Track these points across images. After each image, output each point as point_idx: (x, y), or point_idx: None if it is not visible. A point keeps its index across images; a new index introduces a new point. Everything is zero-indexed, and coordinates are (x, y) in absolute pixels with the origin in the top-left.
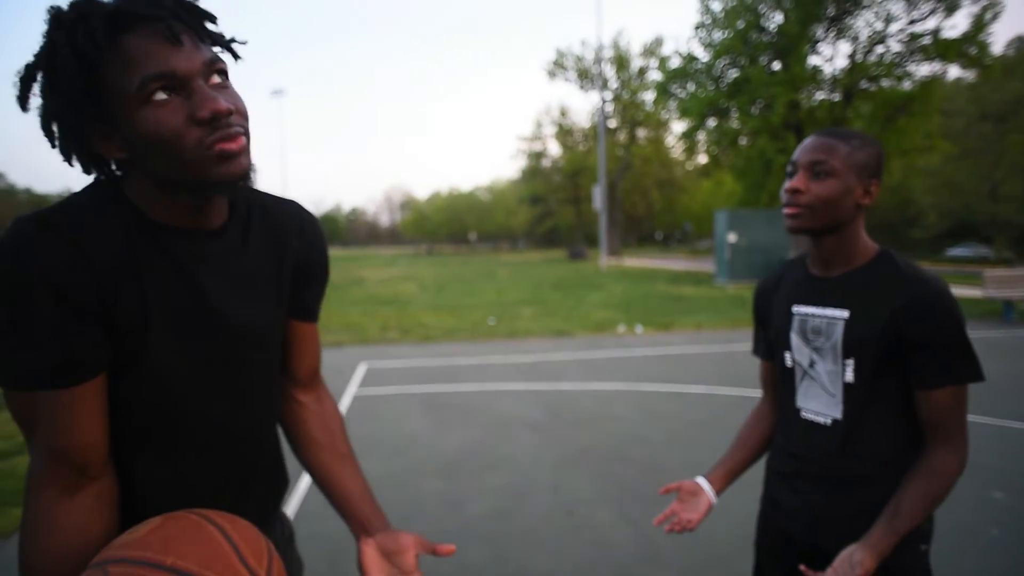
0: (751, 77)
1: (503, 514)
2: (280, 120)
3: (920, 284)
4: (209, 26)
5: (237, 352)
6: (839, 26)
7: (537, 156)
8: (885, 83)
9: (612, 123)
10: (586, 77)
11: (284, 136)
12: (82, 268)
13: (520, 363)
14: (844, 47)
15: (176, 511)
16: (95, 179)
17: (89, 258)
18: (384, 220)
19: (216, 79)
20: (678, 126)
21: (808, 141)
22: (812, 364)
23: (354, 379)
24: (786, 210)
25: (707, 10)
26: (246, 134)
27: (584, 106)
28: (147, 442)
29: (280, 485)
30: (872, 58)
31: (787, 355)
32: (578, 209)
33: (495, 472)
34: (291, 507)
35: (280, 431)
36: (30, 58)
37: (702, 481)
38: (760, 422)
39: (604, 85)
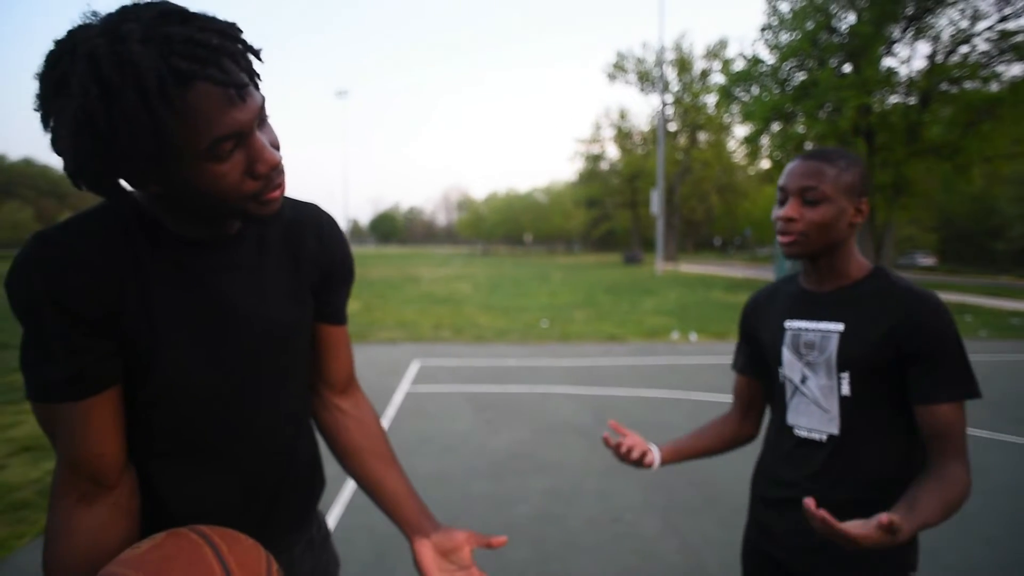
0: (819, 80)
1: (549, 517)
2: (343, 120)
3: (918, 299)
4: (254, 62)
5: (257, 357)
6: (918, 25)
7: (595, 158)
8: (968, 85)
9: (672, 126)
10: (647, 80)
11: (346, 136)
12: (85, 283)
13: (571, 367)
14: (923, 47)
15: (180, 527)
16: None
17: (92, 273)
18: (441, 219)
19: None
20: (741, 130)
21: (794, 166)
22: (804, 380)
23: (407, 376)
24: (781, 238)
25: (774, 11)
26: (284, 177)
27: (644, 109)
28: (170, 451)
29: (315, 489)
30: (955, 58)
31: (779, 371)
32: (635, 213)
33: (542, 475)
34: (342, 499)
35: (317, 436)
36: (60, 87)
37: (653, 446)
38: (723, 424)
39: (665, 88)
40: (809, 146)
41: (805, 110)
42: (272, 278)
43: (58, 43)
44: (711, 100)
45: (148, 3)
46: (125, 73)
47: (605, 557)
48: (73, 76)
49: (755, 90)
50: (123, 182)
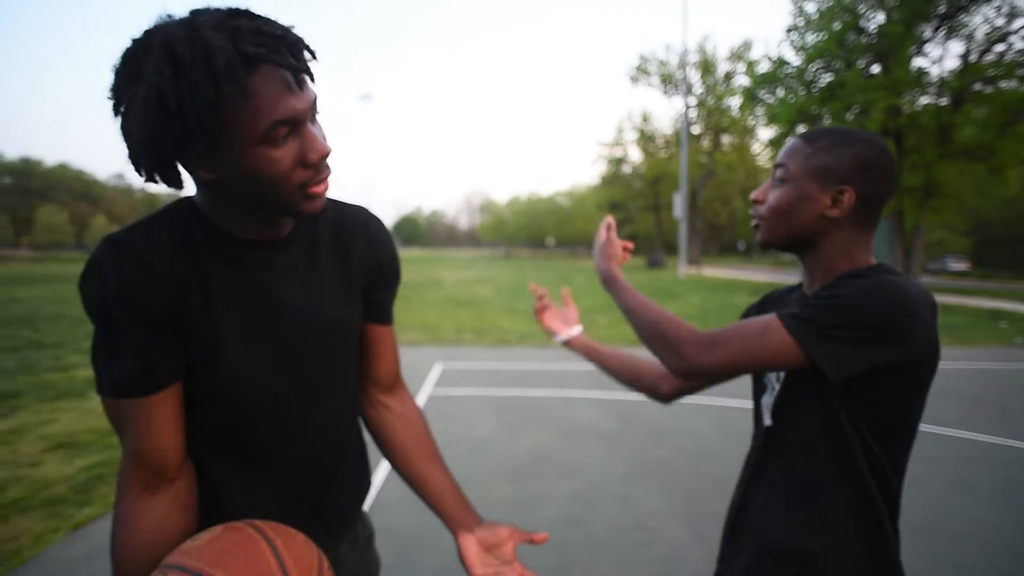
0: (846, 81)
1: (571, 522)
2: (367, 124)
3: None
4: (310, 61)
5: (311, 356)
6: (951, 24)
7: (617, 162)
8: (1004, 85)
9: (695, 129)
10: (670, 82)
11: (371, 139)
12: (150, 284)
13: (594, 370)
14: (956, 47)
15: (236, 522)
16: (175, 200)
17: (156, 274)
18: (463, 223)
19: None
20: (765, 133)
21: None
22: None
23: (429, 379)
24: (752, 222)
25: (800, 12)
26: (330, 172)
27: (667, 112)
28: (225, 447)
29: (362, 487)
30: (989, 57)
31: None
32: (658, 216)
33: (565, 479)
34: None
35: (365, 434)
36: (134, 77)
37: (578, 329)
38: (651, 365)
39: (688, 90)
40: None
41: (832, 112)
42: (325, 279)
43: (135, 40)
44: (735, 103)
45: (218, 6)
46: (196, 53)
47: (629, 563)
48: (148, 62)
49: (780, 92)
50: (181, 169)
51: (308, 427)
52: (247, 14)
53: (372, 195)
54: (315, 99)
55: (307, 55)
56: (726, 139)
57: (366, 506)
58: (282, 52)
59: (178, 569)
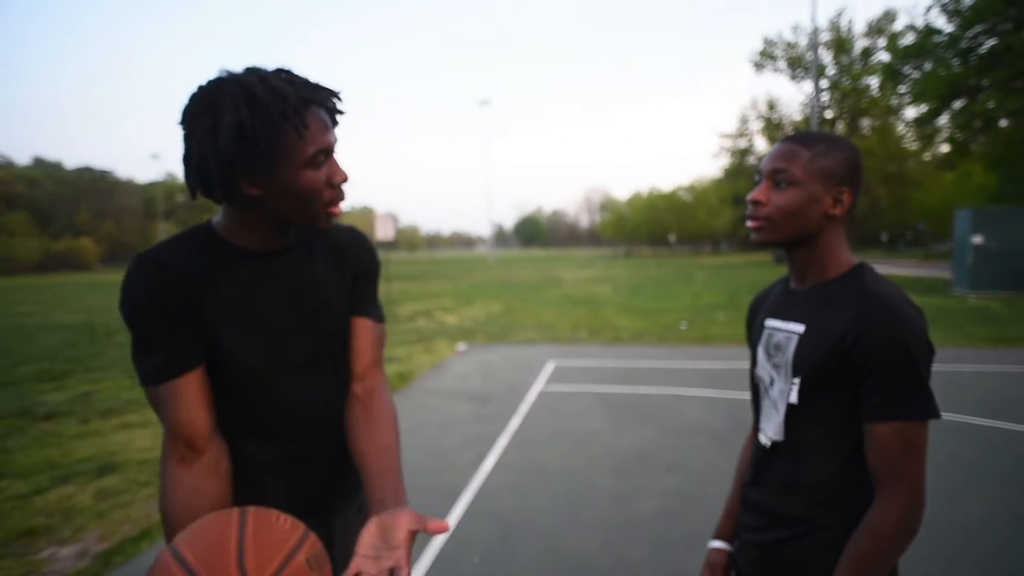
0: (1013, 45)
1: (670, 516)
2: (485, 128)
3: (876, 302)
4: (339, 111)
5: (314, 347)
6: None
7: (742, 153)
8: None
9: (828, 113)
10: (798, 65)
11: (489, 143)
12: (172, 286)
13: (708, 369)
14: None
15: (238, 507)
16: (195, 224)
17: (175, 276)
18: (583, 221)
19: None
20: (912, 112)
21: (773, 148)
22: (772, 382)
23: (541, 376)
24: (748, 223)
25: None
26: (345, 197)
27: (796, 97)
28: (243, 425)
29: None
30: None
31: (755, 372)
32: None
33: (668, 475)
34: (472, 486)
35: None
36: (207, 112)
37: (719, 544)
38: (747, 450)
39: (820, 72)
40: (1004, 123)
41: (996, 81)
42: (322, 280)
43: (204, 85)
44: (875, 82)
45: (266, 66)
46: (269, 94)
47: None
48: (224, 100)
49: (928, 65)
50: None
51: (314, 408)
52: (292, 72)
53: (492, 197)
54: (336, 138)
55: (339, 103)
56: (864, 122)
57: (471, 492)
58: (325, 98)
59: (172, 546)
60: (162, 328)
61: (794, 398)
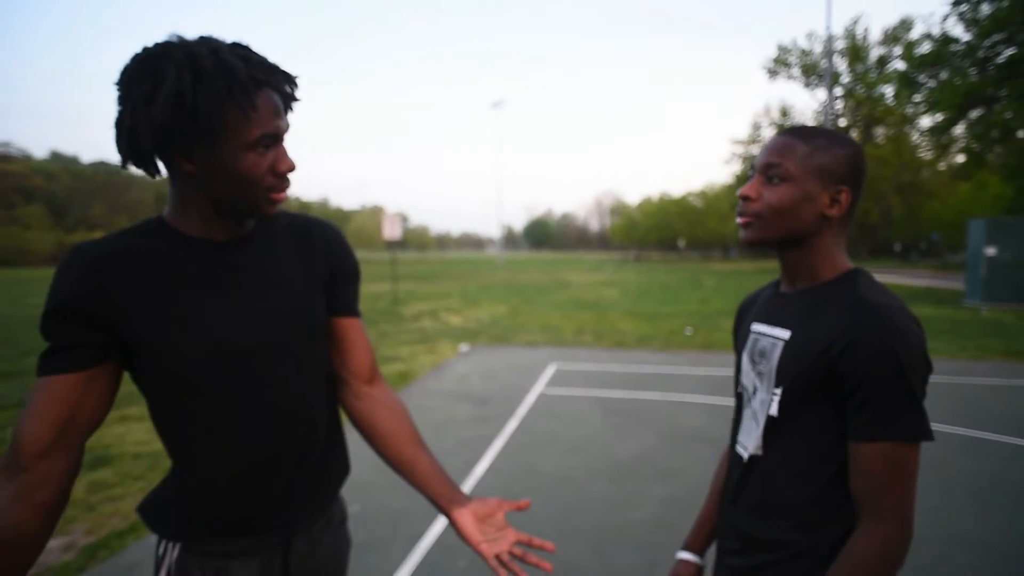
0: None
1: (663, 524)
2: (498, 130)
3: (867, 311)
4: (294, 98)
5: (275, 344)
6: None
7: (753, 160)
8: None
9: (842, 122)
10: (812, 72)
11: (501, 145)
12: (97, 296)
13: (710, 375)
14: None
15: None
16: (149, 217)
17: (105, 288)
18: (593, 225)
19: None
20: (927, 121)
21: (770, 139)
22: (755, 391)
23: (542, 378)
24: (737, 219)
25: None
26: (290, 185)
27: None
28: (197, 433)
29: (335, 472)
30: None
31: (739, 379)
32: None
33: (663, 482)
34: (463, 490)
35: (345, 424)
36: (147, 77)
37: (687, 556)
38: (723, 465)
39: (835, 80)
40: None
41: (1014, 91)
42: (284, 271)
43: (149, 48)
44: (890, 90)
45: (224, 38)
46: (218, 68)
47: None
48: (168, 67)
49: (944, 74)
50: (160, 164)
51: (273, 413)
52: (249, 48)
53: (503, 199)
54: (288, 127)
55: (293, 90)
56: (879, 131)
57: (467, 488)
58: (280, 82)
59: None
60: (61, 325)
61: (774, 410)
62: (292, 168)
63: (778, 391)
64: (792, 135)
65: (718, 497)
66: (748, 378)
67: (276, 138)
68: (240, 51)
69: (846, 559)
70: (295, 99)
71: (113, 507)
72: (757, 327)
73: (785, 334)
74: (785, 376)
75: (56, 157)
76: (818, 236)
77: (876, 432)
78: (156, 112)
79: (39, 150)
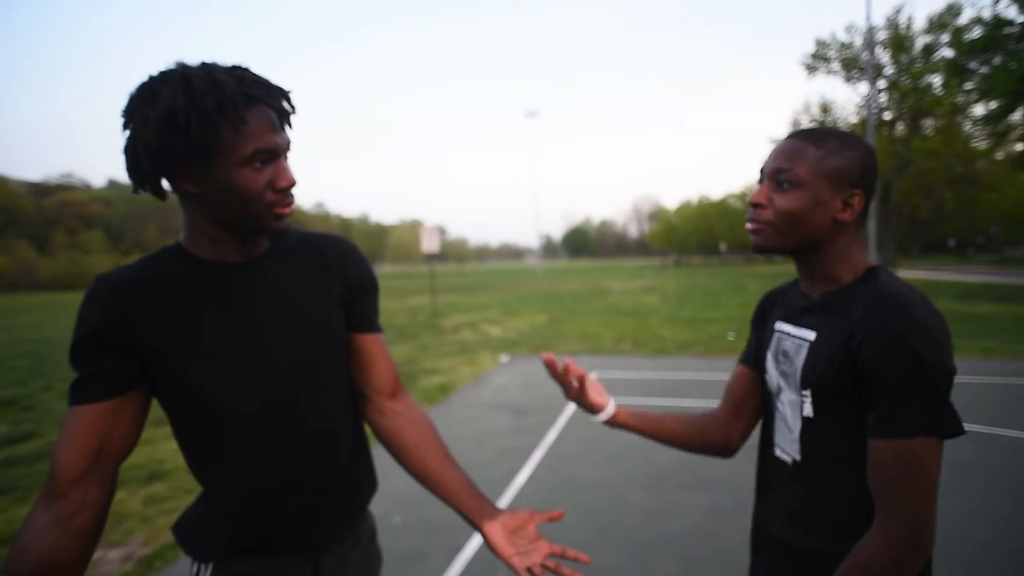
0: None
1: (702, 533)
2: (533, 140)
3: (884, 301)
4: (290, 112)
5: (286, 362)
6: None
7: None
8: None
9: (887, 115)
10: (853, 66)
11: (536, 154)
12: (120, 324)
13: None
14: None
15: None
16: (164, 245)
17: (127, 316)
18: (632, 231)
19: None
20: (980, 109)
21: (778, 144)
22: (780, 391)
23: None
24: (747, 225)
25: None
26: (294, 200)
27: (851, 98)
28: (223, 455)
29: (362, 490)
30: None
31: (764, 379)
32: None
33: (703, 491)
34: (504, 500)
35: (371, 440)
36: (149, 100)
37: (612, 401)
38: (704, 419)
39: (877, 73)
40: None
41: None
42: (300, 289)
43: (153, 75)
44: (937, 80)
45: (224, 62)
46: (208, 86)
47: None
48: (165, 89)
49: (997, 59)
50: (166, 184)
51: (295, 432)
52: (247, 69)
53: (540, 209)
54: (289, 143)
55: (289, 106)
56: (927, 122)
57: (503, 505)
58: (274, 97)
59: None
60: (88, 355)
61: (808, 411)
62: (292, 184)
63: (807, 392)
64: (802, 138)
65: (672, 421)
66: (772, 379)
67: (273, 153)
68: (237, 72)
69: (850, 560)
70: (292, 114)
71: (167, 519)
72: (782, 326)
73: (811, 335)
74: (811, 378)
75: (112, 185)
76: (832, 241)
77: (889, 428)
78: (150, 133)
79: (97, 179)
